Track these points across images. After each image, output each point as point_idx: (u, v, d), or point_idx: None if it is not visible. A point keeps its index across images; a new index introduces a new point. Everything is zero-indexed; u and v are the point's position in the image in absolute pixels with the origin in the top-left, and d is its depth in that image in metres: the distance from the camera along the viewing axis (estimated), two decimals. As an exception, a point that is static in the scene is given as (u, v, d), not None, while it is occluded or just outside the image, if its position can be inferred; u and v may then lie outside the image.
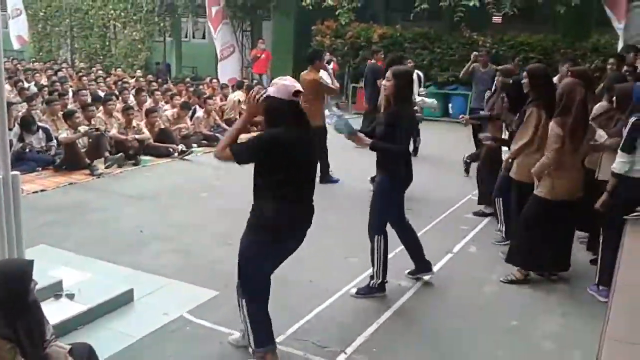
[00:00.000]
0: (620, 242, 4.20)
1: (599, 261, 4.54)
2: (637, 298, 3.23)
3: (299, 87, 3.24)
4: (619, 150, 4.29)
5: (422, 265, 4.82)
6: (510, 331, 4.10)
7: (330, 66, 13.76)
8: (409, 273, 4.86)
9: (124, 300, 4.31)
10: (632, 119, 4.24)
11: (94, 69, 15.67)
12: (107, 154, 8.51)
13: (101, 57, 19.10)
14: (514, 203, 5.20)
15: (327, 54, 14.00)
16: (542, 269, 4.89)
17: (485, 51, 9.76)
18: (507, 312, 4.37)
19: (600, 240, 4.53)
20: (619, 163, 4.28)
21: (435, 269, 5.05)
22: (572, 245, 4.93)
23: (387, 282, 4.54)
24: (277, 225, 3.39)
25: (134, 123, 9.21)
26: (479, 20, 13.56)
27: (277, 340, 3.85)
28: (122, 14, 18.51)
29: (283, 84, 3.24)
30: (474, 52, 9.23)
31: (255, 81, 14.99)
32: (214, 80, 13.61)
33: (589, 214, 4.71)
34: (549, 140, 4.46)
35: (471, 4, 12.40)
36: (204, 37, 19.39)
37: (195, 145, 9.99)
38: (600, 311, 3.73)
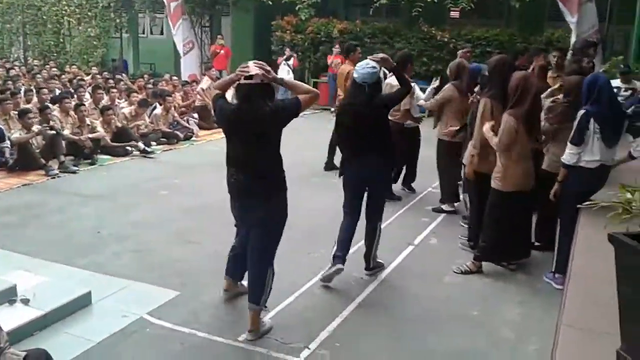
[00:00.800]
0: (573, 228, 4.32)
1: (555, 249, 4.65)
2: (590, 285, 3.31)
3: (251, 72, 3.64)
4: (568, 143, 4.40)
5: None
6: (470, 320, 4.17)
7: (291, 62, 13.78)
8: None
9: (82, 303, 4.20)
10: (581, 112, 4.36)
11: (47, 66, 15.21)
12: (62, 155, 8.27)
13: (55, 54, 18.56)
14: (473, 194, 5.28)
15: (288, 49, 13.99)
16: (506, 260, 4.97)
17: (469, 47, 9.75)
18: (467, 302, 4.44)
19: (557, 229, 4.64)
20: (569, 154, 4.40)
21: (397, 261, 5.12)
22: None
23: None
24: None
25: (88, 121, 8.99)
26: (436, 15, 13.72)
27: (240, 338, 3.83)
28: (77, 10, 18.02)
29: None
30: (460, 51, 9.25)
31: (215, 77, 14.82)
32: (174, 78, 13.39)
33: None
34: (503, 132, 4.53)
35: (429, -1, 12.54)
36: (162, 33, 19.08)
37: (154, 143, 9.82)
38: (556, 298, 3.82)
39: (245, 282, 4.26)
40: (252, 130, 3.67)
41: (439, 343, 3.85)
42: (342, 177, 4.77)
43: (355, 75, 4.59)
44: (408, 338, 3.91)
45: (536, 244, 5.31)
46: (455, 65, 6.35)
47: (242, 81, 3.66)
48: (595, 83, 4.36)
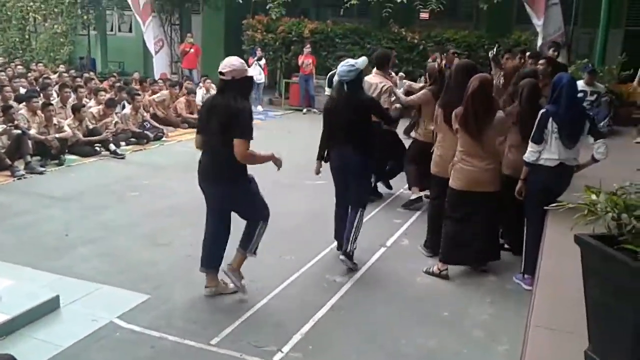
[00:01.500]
0: (541, 231, 4.41)
1: (523, 250, 4.73)
2: (559, 286, 3.38)
3: (222, 69, 4.03)
4: (529, 141, 4.52)
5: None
6: (442, 321, 4.21)
7: (262, 62, 13.72)
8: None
9: (49, 307, 4.12)
10: (542, 111, 4.47)
11: (12, 64, 14.83)
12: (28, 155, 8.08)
13: (20, 52, 18.14)
14: (434, 196, 5.38)
15: (259, 49, 13.93)
16: (466, 263, 5.00)
17: (452, 48, 9.82)
18: (438, 303, 4.49)
19: (524, 230, 4.72)
20: (529, 152, 4.51)
21: (369, 262, 5.15)
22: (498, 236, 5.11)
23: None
24: None
25: (55, 121, 8.80)
26: (407, 17, 13.84)
27: (212, 342, 3.80)
28: (42, 5, 17.62)
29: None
30: (449, 52, 9.32)
31: (185, 76, 14.69)
32: (135, 74, 13.24)
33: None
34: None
35: (398, 0, 12.62)
36: (130, 31, 18.81)
37: (123, 143, 9.68)
38: (526, 299, 3.89)
39: (231, 285, 4.47)
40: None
41: (411, 344, 3.88)
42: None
43: (337, 72, 5.06)
44: (381, 340, 3.94)
45: (505, 246, 5.39)
46: (431, 69, 6.44)
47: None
48: (558, 83, 4.46)
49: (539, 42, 11.20)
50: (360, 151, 4.88)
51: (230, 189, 4.19)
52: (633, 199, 2.40)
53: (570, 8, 11.81)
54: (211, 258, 4.44)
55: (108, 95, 10.51)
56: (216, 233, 4.43)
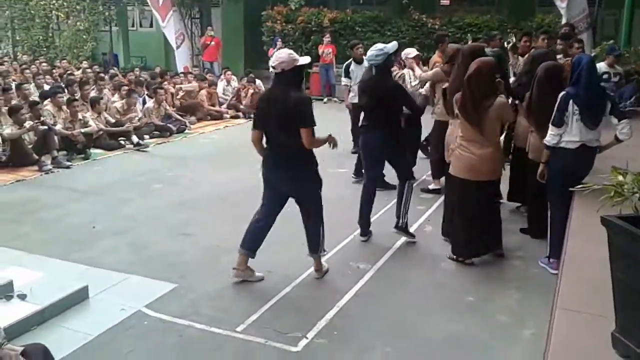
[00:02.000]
0: (566, 214, 4.36)
1: (548, 234, 4.68)
2: (585, 268, 3.35)
3: (273, 64, 4.18)
4: (550, 125, 4.45)
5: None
6: (467, 307, 4.19)
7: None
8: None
9: (79, 297, 4.20)
10: (562, 93, 4.40)
11: (37, 61, 15.08)
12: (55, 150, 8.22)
13: (45, 49, 18.42)
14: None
15: (279, 40, 13.92)
16: (478, 254, 4.90)
17: (471, 38, 9.72)
18: (463, 288, 4.47)
19: (549, 214, 4.66)
20: (550, 135, 4.45)
21: (392, 249, 5.16)
22: (501, 226, 5.01)
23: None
24: None
25: (80, 116, 8.94)
26: (427, 3, 13.70)
27: (238, 329, 3.85)
28: (65, 3, 17.86)
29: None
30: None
31: (206, 69, 14.77)
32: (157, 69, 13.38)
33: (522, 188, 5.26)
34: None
35: (419, -14, 12.51)
36: (151, 26, 18.94)
37: (147, 136, 9.79)
38: (551, 283, 3.85)
39: (259, 274, 4.58)
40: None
41: (436, 330, 3.88)
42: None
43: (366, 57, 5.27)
44: (405, 325, 3.94)
45: (525, 230, 5.35)
46: (451, 49, 6.36)
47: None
48: (578, 64, 4.40)
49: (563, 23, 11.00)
50: (386, 133, 5.05)
51: (302, 174, 4.32)
52: (660, 179, 2.37)
53: (594, -12, 11.58)
54: (255, 240, 4.51)
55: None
56: (269, 218, 4.50)
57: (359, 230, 5.44)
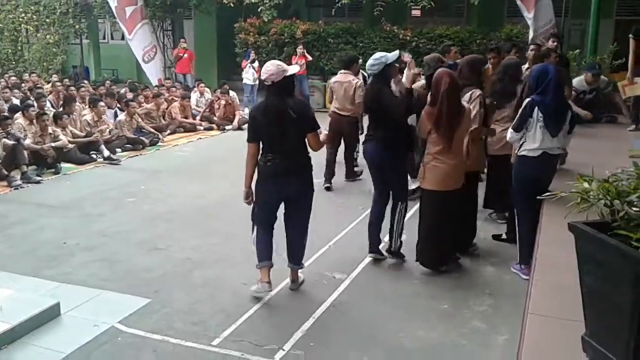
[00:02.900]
0: (534, 220, 4.45)
1: (517, 241, 4.77)
2: (555, 274, 3.41)
3: (262, 77, 4.24)
4: (510, 128, 4.61)
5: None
6: (442, 314, 4.23)
7: (256, 65, 13.73)
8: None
9: (50, 315, 4.13)
10: (527, 100, 4.51)
11: (6, 75, 14.82)
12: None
13: (14, 63, 18.13)
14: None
15: (252, 52, 13.93)
16: (446, 263, 4.94)
17: (451, 45, 9.69)
18: (438, 295, 4.51)
19: (516, 221, 4.75)
20: (510, 136, 4.65)
21: (367, 259, 5.16)
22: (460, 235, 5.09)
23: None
24: None
25: (50, 130, 8.81)
26: (398, 14, 13.85)
27: (213, 343, 3.82)
28: (34, 17, 17.62)
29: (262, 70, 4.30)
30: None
31: (178, 82, 14.70)
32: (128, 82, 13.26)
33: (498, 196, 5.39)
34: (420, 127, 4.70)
35: (390, -2, 12.65)
36: (123, 39, 18.73)
37: (119, 149, 9.68)
38: (524, 289, 3.90)
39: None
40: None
41: (412, 338, 3.90)
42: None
43: None
44: (381, 335, 3.95)
45: (503, 236, 5.43)
46: (429, 59, 6.43)
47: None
48: (546, 74, 4.49)
49: (530, 35, 11.22)
50: (387, 146, 4.89)
51: (309, 179, 4.45)
52: (624, 186, 2.43)
53: (560, 0, 11.84)
54: (270, 251, 4.49)
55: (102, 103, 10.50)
56: (270, 233, 4.50)
57: (334, 240, 5.45)
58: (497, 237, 5.48)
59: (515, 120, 4.55)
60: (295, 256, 4.55)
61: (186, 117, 11.91)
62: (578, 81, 8.77)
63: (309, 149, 4.38)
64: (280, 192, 4.36)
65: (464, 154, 4.66)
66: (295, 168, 4.30)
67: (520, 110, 4.51)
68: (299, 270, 4.66)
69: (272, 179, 4.30)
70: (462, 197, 4.79)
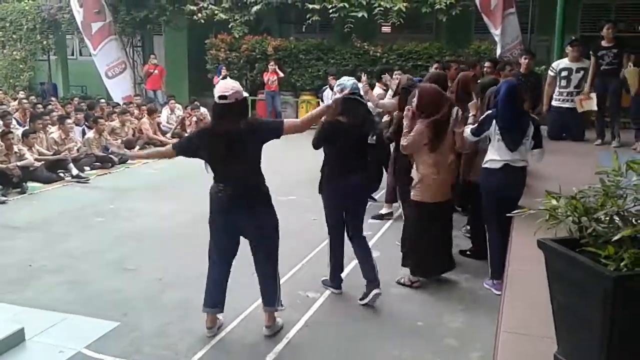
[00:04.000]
0: (504, 235, 4.50)
1: (488, 256, 4.80)
2: (527, 290, 3.43)
3: (224, 92, 3.78)
4: (469, 129, 4.76)
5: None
6: (416, 332, 4.22)
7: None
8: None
9: (14, 341, 3.99)
10: (488, 112, 4.67)
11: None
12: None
13: (-21, 80, 17.79)
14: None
15: (224, 68, 13.89)
16: (431, 274, 5.02)
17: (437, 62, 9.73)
18: (412, 313, 4.49)
19: (487, 236, 4.79)
20: (467, 136, 4.78)
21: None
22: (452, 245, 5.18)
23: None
24: None
25: (16, 148, 8.61)
26: (368, 31, 13.98)
27: (184, 367, 3.73)
28: (0, 32, 17.35)
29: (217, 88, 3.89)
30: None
31: (149, 98, 14.56)
32: (102, 100, 13.07)
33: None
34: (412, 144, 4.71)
35: (360, 15, 12.76)
36: (91, 55, 18.55)
37: (87, 168, 9.51)
38: (497, 304, 3.90)
39: (221, 316, 4.29)
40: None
41: (386, 356, 3.87)
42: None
43: None
44: (355, 355, 3.91)
45: (467, 252, 5.45)
46: (402, 80, 6.49)
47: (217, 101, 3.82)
48: (502, 88, 4.62)
49: (498, 51, 11.42)
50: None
51: (265, 216, 4.01)
52: (592, 202, 2.45)
53: (526, 17, 12.08)
54: (220, 297, 4.19)
55: (69, 121, 10.33)
56: (227, 272, 4.17)
57: (307, 259, 5.42)
58: (463, 252, 5.50)
59: (475, 126, 4.72)
60: (265, 296, 4.15)
61: (155, 133, 11.78)
62: (557, 64, 8.83)
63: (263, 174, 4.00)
64: (234, 228, 4.01)
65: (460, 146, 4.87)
66: (247, 200, 3.89)
67: (482, 118, 4.67)
68: (278, 315, 4.24)
69: (223, 212, 3.94)
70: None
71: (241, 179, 3.89)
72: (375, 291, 4.55)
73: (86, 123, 10.89)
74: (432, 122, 4.57)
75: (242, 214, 3.91)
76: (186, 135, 4.01)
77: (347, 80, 4.45)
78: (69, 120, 10.09)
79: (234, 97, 3.79)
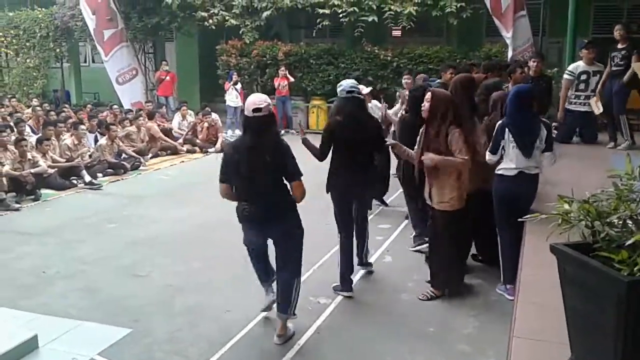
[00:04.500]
0: (517, 240, 4.45)
1: (500, 261, 4.75)
2: (540, 295, 3.39)
3: (259, 105, 3.76)
4: (487, 151, 4.65)
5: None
6: (428, 337, 4.19)
7: (238, 86, 13.74)
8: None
9: (28, 348, 4.01)
10: (499, 123, 4.59)
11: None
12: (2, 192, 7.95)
13: (-7, 88, 18.00)
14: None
15: (235, 74, 13.95)
16: (461, 281, 4.99)
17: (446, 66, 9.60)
18: (424, 318, 4.46)
19: (499, 241, 4.74)
20: (488, 159, 4.65)
21: (353, 281, 5.10)
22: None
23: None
24: None
25: (30, 156, 8.70)
26: (379, 35, 13.96)
27: (195, 373, 3.73)
28: (14, 41, 17.54)
29: (249, 101, 3.86)
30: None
31: (161, 104, 14.64)
32: (115, 107, 13.17)
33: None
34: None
35: (370, 19, 12.76)
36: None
37: (100, 174, 9.58)
38: (510, 309, 3.88)
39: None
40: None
41: (397, 362, 3.85)
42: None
43: None
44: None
45: (479, 257, 5.41)
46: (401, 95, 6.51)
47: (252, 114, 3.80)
48: (510, 95, 4.60)
49: (510, 53, 11.36)
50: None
51: (292, 221, 4.07)
52: (605, 206, 2.42)
53: (537, 19, 12.01)
54: (265, 275, 4.39)
55: (83, 127, 10.42)
56: (265, 257, 4.34)
57: (318, 264, 5.41)
58: (475, 257, 5.45)
59: (491, 143, 4.61)
60: (281, 301, 4.14)
61: (166, 135, 11.91)
62: (578, 65, 8.68)
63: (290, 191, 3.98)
64: (261, 233, 4.07)
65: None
66: (273, 215, 3.91)
67: (494, 131, 4.58)
68: (289, 323, 4.24)
69: (250, 224, 4.03)
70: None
71: (260, 195, 3.86)
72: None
73: (98, 130, 10.97)
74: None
75: (268, 224, 3.96)
76: (221, 162, 3.94)
77: (345, 81, 4.85)
78: (82, 127, 10.18)
79: (267, 110, 3.80)
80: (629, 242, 2.18)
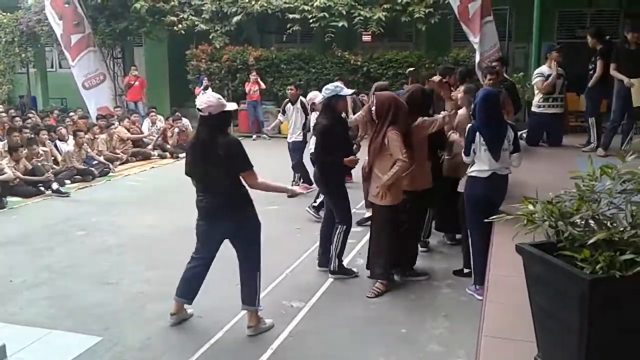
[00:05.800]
0: (486, 241, 4.54)
1: (471, 262, 4.83)
2: (507, 295, 3.46)
3: (199, 106, 4.01)
4: (462, 154, 4.80)
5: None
6: (400, 338, 4.23)
7: (209, 92, 13.64)
8: None
9: (-6, 358, 3.94)
10: (469, 126, 4.72)
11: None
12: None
13: (-43, 94, 17.55)
14: None
15: (205, 79, 13.88)
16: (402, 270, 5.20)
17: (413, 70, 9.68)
18: (396, 320, 4.51)
19: (470, 242, 4.82)
20: (464, 157, 4.79)
21: (325, 285, 5.14)
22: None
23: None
24: None
25: (-5, 163, 8.52)
26: (349, 40, 14.09)
27: (168, 380, 3.70)
28: (-22, 46, 17.19)
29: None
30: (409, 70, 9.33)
31: (130, 110, 14.48)
32: (79, 111, 12.98)
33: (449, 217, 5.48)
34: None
35: (340, 24, 12.85)
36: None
37: (68, 181, 9.42)
38: (479, 309, 3.94)
39: (190, 310, 4.52)
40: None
41: (370, 364, 3.88)
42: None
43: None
44: (339, 362, 3.92)
45: (465, 270, 5.39)
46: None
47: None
48: (478, 98, 4.72)
49: (477, 58, 11.53)
50: (319, 169, 5.36)
51: (240, 221, 4.18)
52: (568, 207, 2.49)
53: (504, 24, 12.26)
54: (191, 287, 4.39)
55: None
56: (205, 262, 4.35)
57: (291, 268, 5.42)
58: (457, 273, 5.43)
59: (464, 146, 4.74)
60: (244, 296, 4.29)
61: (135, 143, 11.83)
62: (541, 71, 8.86)
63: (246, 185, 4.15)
64: (215, 231, 4.20)
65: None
66: (222, 209, 4.10)
67: (466, 135, 4.70)
68: (268, 319, 4.40)
69: (205, 219, 4.19)
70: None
71: (214, 188, 4.08)
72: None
73: (58, 137, 10.70)
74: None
75: (221, 220, 4.14)
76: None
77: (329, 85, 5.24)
78: (43, 132, 9.99)
79: (207, 111, 3.99)
80: (591, 241, 2.25)
